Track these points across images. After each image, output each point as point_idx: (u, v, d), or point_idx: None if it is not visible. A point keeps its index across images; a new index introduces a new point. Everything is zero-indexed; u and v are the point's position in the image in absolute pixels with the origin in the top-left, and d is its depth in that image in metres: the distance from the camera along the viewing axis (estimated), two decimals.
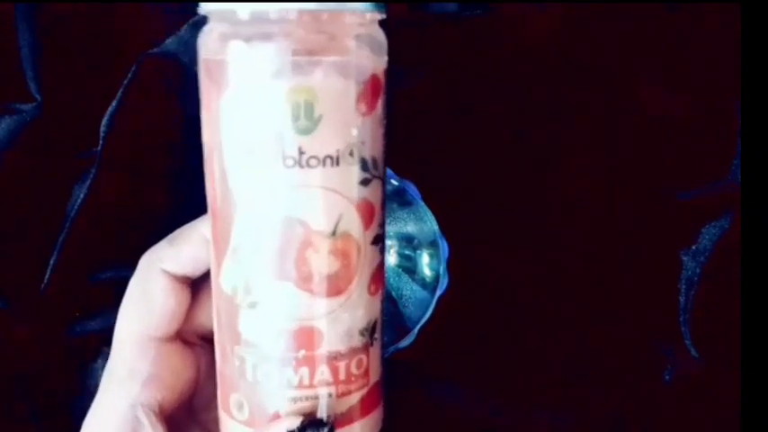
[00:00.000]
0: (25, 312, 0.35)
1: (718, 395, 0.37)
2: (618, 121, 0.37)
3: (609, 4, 0.36)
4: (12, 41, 0.34)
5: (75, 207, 0.35)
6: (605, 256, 0.37)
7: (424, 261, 0.34)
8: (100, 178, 0.35)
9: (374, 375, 0.26)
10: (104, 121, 0.35)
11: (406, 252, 0.35)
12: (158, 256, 0.27)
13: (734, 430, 0.36)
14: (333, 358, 0.24)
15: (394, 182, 0.33)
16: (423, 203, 0.33)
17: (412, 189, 0.33)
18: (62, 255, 0.35)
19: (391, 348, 0.34)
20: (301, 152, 0.22)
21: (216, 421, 0.27)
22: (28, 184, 0.35)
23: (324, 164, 0.22)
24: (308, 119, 0.22)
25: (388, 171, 0.33)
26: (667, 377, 0.37)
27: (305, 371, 0.24)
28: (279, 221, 0.23)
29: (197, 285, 0.28)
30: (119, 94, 0.35)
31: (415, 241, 0.35)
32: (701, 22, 0.36)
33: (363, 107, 0.23)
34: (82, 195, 0.35)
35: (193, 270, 0.27)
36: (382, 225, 0.25)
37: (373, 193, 0.24)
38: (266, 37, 0.22)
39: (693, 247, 0.37)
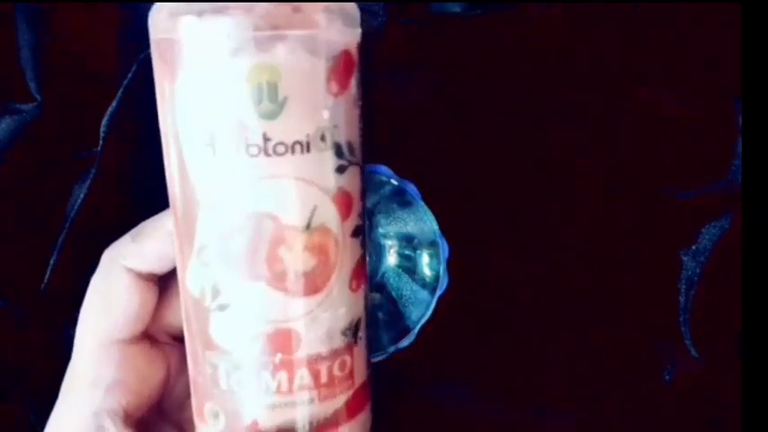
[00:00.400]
0: (25, 312, 0.35)
1: (719, 395, 0.37)
2: (618, 121, 0.37)
3: (609, 5, 0.36)
4: (12, 41, 0.34)
5: (75, 207, 0.35)
6: (605, 256, 0.37)
7: (424, 261, 0.34)
8: (100, 178, 0.35)
9: (359, 376, 0.24)
10: (104, 121, 0.35)
11: (406, 252, 0.35)
12: (120, 252, 0.25)
13: (734, 430, 0.36)
14: (313, 361, 0.22)
15: (394, 182, 0.33)
16: (423, 203, 0.33)
17: (412, 189, 0.33)
18: (62, 255, 0.35)
19: (391, 348, 0.34)
20: (266, 139, 0.20)
21: (190, 420, 0.25)
22: (28, 184, 0.35)
23: (293, 151, 0.20)
24: (271, 101, 0.20)
25: (388, 171, 0.33)
26: (667, 377, 0.37)
27: (283, 376, 0.22)
28: (246, 217, 0.21)
29: (165, 282, 0.26)
30: (119, 94, 0.35)
31: (415, 241, 0.35)
32: (701, 22, 0.36)
33: (335, 86, 0.21)
34: (82, 195, 0.35)
35: (159, 267, 0.25)
36: (362, 215, 0.23)
37: (350, 181, 0.22)
38: (221, 10, 0.20)
39: (693, 247, 0.37)
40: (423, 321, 0.34)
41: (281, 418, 0.22)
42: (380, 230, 0.35)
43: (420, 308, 0.34)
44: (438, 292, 0.34)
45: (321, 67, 0.20)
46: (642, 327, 0.37)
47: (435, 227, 0.33)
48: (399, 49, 0.36)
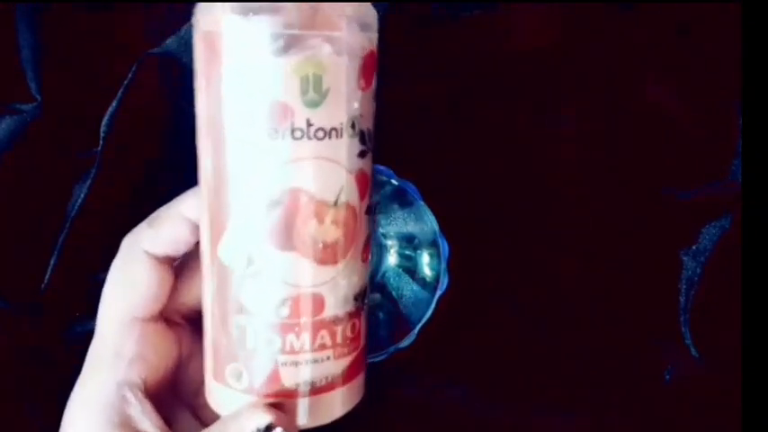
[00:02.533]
0: (25, 312, 0.35)
1: (719, 395, 0.37)
2: (618, 121, 0.37)
3: (609, 5, 0.36)
4: (12, 41, 0.34)
5: (76, 207, 0.35)
6: (605, 256, 0.37)
7: (425, 261, 0.34)
8: (100, 178, 0.35)
9: (363, 338, 0.27)
10: (104, 121, 0.35)
11: (407, 252, 0.35)
12: (138, 237, 0.27)
13: (734, 430, 0.36)
14: (332, 323, 0.25)
15: (394, 182, 0.33)
16: (423, 203, 0.33)
17: (412, 189, 0.33)
18: (62, 255, 0.35)
19: (391, 348, 0.34)
20: (309, 124, 0.23)
21: (204, 405, 0.27)
22: (28, 184, 0.35)
23: (330, 136, 0.23)
24: (316, 92, 0.23)
25: (389, 171, 0.33)
26: (667, 377, 0.37)
27: (306, 336, 0.24)
28: (284, 193, 0.23)
29: (179, 265, 0.28)
30: (119, 94, 0.35)
31: (416, 241, 0.35)
32: (701, 22, 0.36)
33: (363, 82, 0.24)
34: (82, 195, 0.35)
35: (174, 250, 0.27)
36: (372, 196, 0.26)
37: (367, 164, 0.25)
38: (274, 10, 0.22)
39: (694, 247, 0.37)
40: (423, 321, 0.34)
41: (300, 374, 0.25)
42: (381, 230, 0.35)
43: (420, 308, 0.34)
44: (438, 292, 0.34)
45: (355, 65, 0.23)
46: (642, 327, 0.37)
47: (436, 227, 0.33)
48: (400, 49, 0.36)
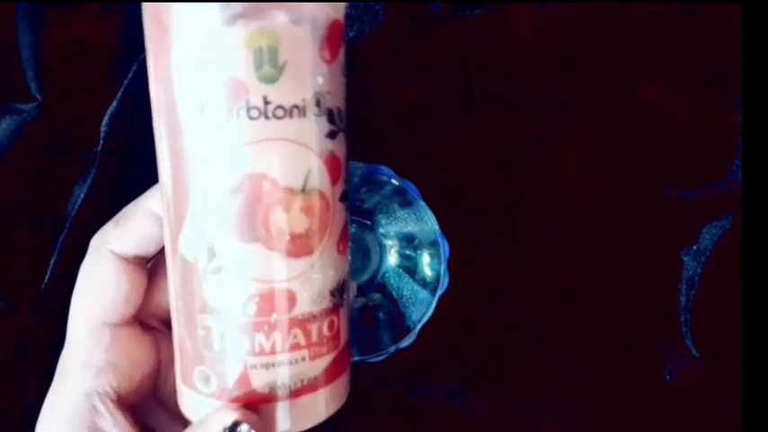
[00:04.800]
0: (25, 312, 0.35)
1: (720, 395, 0.37)
2: (618, 121, 0.37)
3: (609, 4, 0.36)
4: (12, 41, 0.34)
5: (76, 207, 0.35)
6: (606, 257, 0.37)
7: (425, 261, 0.34)
8: (100, 178, 0.35)
9: (344, 337, 0.25)
10: (104, 121, 0.35)
11: (407, 252, 0.35)
12: (105, 237, 0.25)
13: (735, 430, 0.36)
14: (306, 320, 0.23)
15: (394, 182, 0.33)
16: (423, 203, 0.33)
17: (412, 189, 0.33)
18: (62, 255, 0.35)
19: (392, 348, 0.33)
20: (266, 102, 0.21)
21: None
22: (28, 184, 0.35)
23: (291, 114, 0.21)
24: (272, 65, 0.21)
25: (389, 171, 0.33)
26: (668, 377, 0.37)
27: (278, 335, 0.22)
28: (244, 178, 0.21)
29: (153, 267, 0.27)
30: (119, 94, 0.35)
31: (416, 241, 0.35)
32: (701, 22, 0.36)
33: (327, 54, 0.22)
34: (82, 195, 0.35)
35: (144, 248, 0.25)
36: (347, 181, 0.24)
37: (339, 146, 0.23)
38: None
39: (694, 248, 0.37)
40: (423, 321, 0.34)
41: (273, 376, 0.23)
42: (381, 230, 0.35)
43: (421, 308, 0.34)
44: (439, 292, 0.34)
45: (316, 34, 0.21)
46: (642, 327, 0.37)
47: (436, 227, 0.33)
48: (399, 48, 0.36)
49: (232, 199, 0.21)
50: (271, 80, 0.21)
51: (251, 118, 0.21)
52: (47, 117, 0.35)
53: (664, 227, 0.37)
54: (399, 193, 0.34)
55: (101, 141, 0.35)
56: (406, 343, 0.34)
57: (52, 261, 0.35)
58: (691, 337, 0.37)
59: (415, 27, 0.36)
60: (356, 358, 0.33)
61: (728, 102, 0.36)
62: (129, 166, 0.35)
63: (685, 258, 0.37)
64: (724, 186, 0.37)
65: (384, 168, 0.33)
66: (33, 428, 0.35)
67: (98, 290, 0.25)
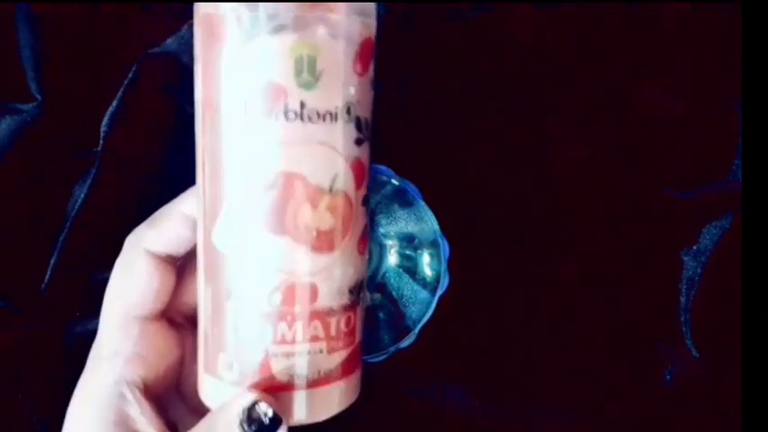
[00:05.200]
0: (25, 312, 0.35)
1: (719, 395, 0.37)
2: (618, 121, 0.37)
3: (609, 4, 0.36)
4: (12, 41, 0.34)
5: (76, 207, 0.35)
6: (606, 256, 0.37)
7: (425, 261, 0.34)
8: (100, 178, 0.35)
9: (358, 335, 0.26)
10: (104, 121, 0.35)
11: (407, 252, 0.35)
12: (140, 236, 0.27)
13: (735, 430, 0.36)
14: (326, 314, 0.24)
15: (394, 182, 0.33)
16: (423, 203, 0.33)
17: (412, 189, 0.33)
18: (62, 255, 0.35)
19: (392, 348, 0.33)
20: (303, 106, 0.23)
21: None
22: (28, 184, 0.35)
23: (324, 119, 0.23)
24: (310, 73, 0.23)
25: (389, 171, 0.33)
26: (668, 377, 0.37)
27: (299, 326, 0.24)
28: (278, 175, 0.23)
29: (183, 266, 0.28)
30: (119, 94, 0.35)
31: (416, 241, 0.35)
32: (701, 22, 0.36)
33: (359, 67, 0.24)
34: (82, 195, 0.35)
35: (176, 248, 0.27)
36: (369, 187, 0.26)
37: (364, 153, 0.25)
38: None
39: (694, 248, 0.37)
40: (423, 321, 0.34)
41: (292, 365, 0.24)
42: (381, 230, 0.35)
43: (421, 308, 0.34)
44: (439, 292, 0.34)
45: (351, 48, 0.23)
46: (642, 327, 0.37)
47: (436, 227, 0.33)
48: (399, 49, 0.36)
49: (266, 194, 0.23)
50: (308, 86, 0.23)
51: (288, 120, 0.23)
52: (47, 117, 0.35)
53: (664, 227, 0.37)
54: (399, 193, 0.34)
55: (101, 141, 0.35)
56: (406, 343, 0.34)
57: (52, 261, 0.35)
58: (691, 337, 0.37)
59: (415, 27, 0.36)
60: None
61: (728, 102, 0.36)
62: (130, 166, 0.35)
63: (685, 258, 0.37)
64: (724, 186, 0.37)
65: (384, 168, 0.33)
66: (33, 429, 0.35)
67: (130, 285, 0.27)
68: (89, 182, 0.35)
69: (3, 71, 0.35)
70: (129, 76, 0.35)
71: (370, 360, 0.33)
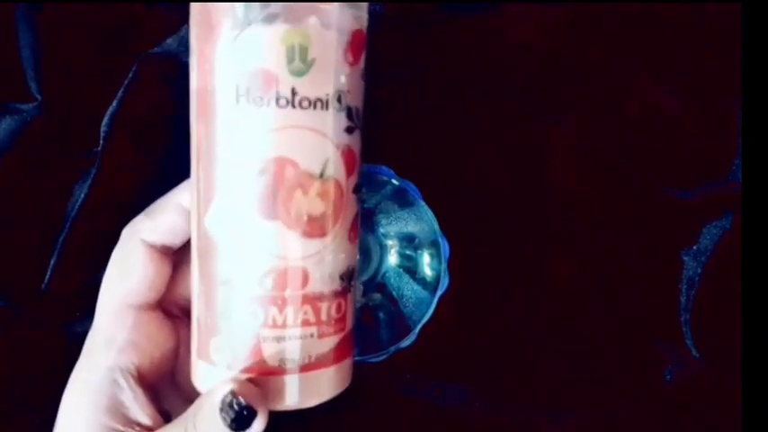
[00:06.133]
0: (25, 312, 0.35)
1: (720, 395, 0.37)
2: (619, 120, 0.37)
3: (609, 4, 0.36)
4: (12, 41, 0.34)
5: (76, 207, 0.35)
6: (606, 256, 0.37)
7: (425, 261, 0.34)
8: (100, 178, 0.35)
9: (350, 322, 0.27)
10: (104, 121, 0.35)
11: (407, 252, 0.35)
12: (137, 227, 0.28)
13: (735, 430, 0.36)
14: (317, 299, 0.25)
15: (394, 182, 0.33)
16: (423, 203, 0.33)
17: (412, 189, 0.33)
18: (62, 255, 0.35)
19: (392, 348, 0.33)
20: (294, 93, 0.23)
21: None
22: (28, 184, 0.35)
23: (315, 106, 0.23)
24: (302, 61, 0.23)
25: (389, 171, 0.33)
26: (668, 377, 0.37)
27: (290, 310, 0.24)
28: (270, 161, 0.23)
29: (179, 259, 0.29)
30: (119, 94, 0.35)
31: (416, 241, 0.35)
32: (701, 22, 0.36)
33: (350, 57, 0.24)
34: (82, 195, 0.35)
35: (172, 239, 0.27)
36: (360, 175, 0.26)
37: (355, 142, 0.25)
38: None
39: (694, 247, 0.37)
40: (424, 321, 0.34)
41: (283, 349, 0.24)
42: (381, 230, 0.35)
43: (421, 308, 0.34)
44: (439, 292, 0.34)
45: (342, 38, 0.24)
46: (643, 327, 0.37)
47: (436, 227, 0.33)
48: (399, 49, 0.36)
49: (258, 179, 0.23)
50: (300, 74, 0.23)
51: (279, 106, 0.23)
52: (47, 117, 0.35)
53: (664, 227, 0.37)
54: (399, 193, 0.34)
55: (101, 141, 0.35)
56: (406, 343, 0.34)
57: (52, 261, 0.35)
58: (691, 337, 0.37)
59: (414, 27, 0.36)
60: (356, 358, 0.33)
61: (728, 102, 0.36)
62: (130, 166, 0.35)
63: (685, 258, 0.37)
64: (724, 186, 0.37)
65: (384, 168, 0.33)
66: (33, 428, 0.35)
67: (126, 274, 0.27)
68: (89, 182, 0.35)
69: (3, 71, 0.35)
70: (129, 76, 0.35)
71: (370, 360, 0.33)
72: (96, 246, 0.35)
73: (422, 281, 0.34)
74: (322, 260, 0.25)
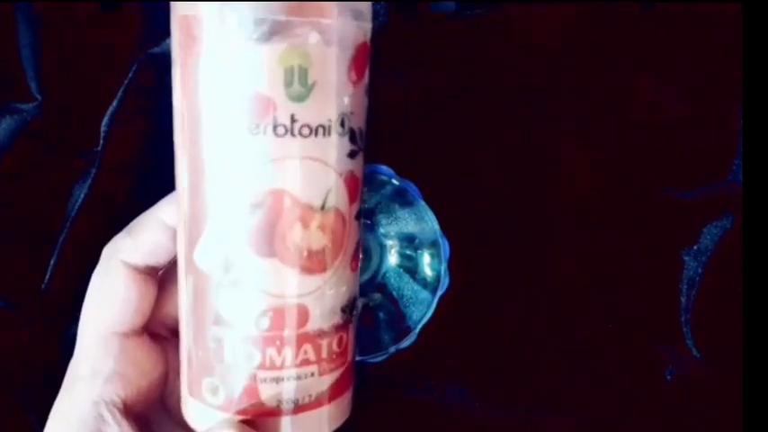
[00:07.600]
0: (25, 312, 0.35)
1: (720, 395, 0.37)
2: (619, 121, 0.37)
3: (609, 4, 0.36)
4: (12, 41, 0.34)
5: (76, 207, 0.35)
6: (606, 256, 0.37)
7: (426, 261, 0.34)
8: (100, 178, 0.35)
9: (351, 353, 0.25)
10: (104, 121, 0.35)
11: (408, 252, 0.35)
12: (117, 247, 0.25)
13: (735, 430, 0.36)
14: (317, 336, 0.23)
15: (395, 182, 0.33)
16: (424, 203, 0.33)
17: (413, 189, 0.33)
18: (62, 255, 0.35)
19: (392, 348, 0.33)
20: (294, 120, 0.21)
21: None
22: (28, 184, 0.35)
23: (316, 133, 0.21)
24: (302, 85, 0.21)
25: (390, 171, 0.33)
26: (669, 377, 0.37)
27: (289, 350, 0.23)
28: (265, 194, 0.21)
29: (164, 276, 0.27)
30: (119, 94, 0.35)
31: (417, 241, 0.35)
32: (702, 22, 0.36)
33: (354, 75, 0.22)
34: (82, 195, 0.35)
35: (155, 259, 0.25)
36: (363, 200, 0.24)
37: (357, 166, 0.23)
38: None
39: (695, 247, 0.37)
40: (424, 321, 0.34)
41: (281, 390, 0.23)
42: (381, 230, 0.35)
43: (421, 308, 0.34)
44: (439, 292, 0.34)
45: (345, 55, 0.21)
46: (643, 327, 0.37)
47: (436, 227, 0.33)
48: (399, 48, 0.36)
49: (252, 214, 0.21)
50: (300, 99, 0.21)
51: (277, 135, 0.21)
52: (47, 117, 0.35)
53: (664, 227, 0.37)
54: (399, 193, 0.34)
55: (101, 141, 0.35)
56: (406, 343, 0.34)
57: (52, 261, 0.35)
58: (691, 338, 0.37)
59: (415, 27, 0.36)
60: (356, 358, 0.33)
61: (728, 102, 0.36)
62: (130, 166, 0.35)
63: (686, 258, 0.37)
64: (725, 186, 0.37)
65: (384, 168, 0.33)
66: (33, 429, 0.35)
67: (108, 300, 0.25)
68: (89, 182, 0.35)
69: (3, 71, 0.35)
70: (129, 76, 0.35)
71: (370, 360, 0.33)
72: (96, 246, 0.35)
73: (422, 281, 0.34)
74: (323, 295, 0.23)
